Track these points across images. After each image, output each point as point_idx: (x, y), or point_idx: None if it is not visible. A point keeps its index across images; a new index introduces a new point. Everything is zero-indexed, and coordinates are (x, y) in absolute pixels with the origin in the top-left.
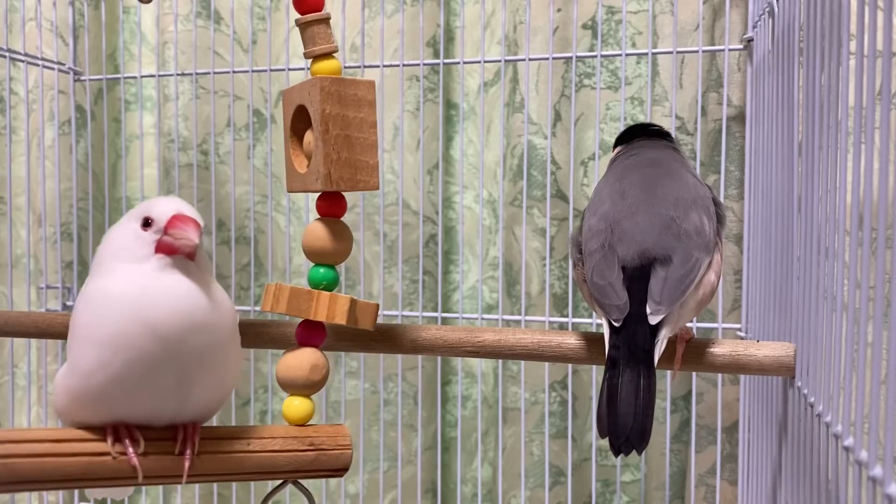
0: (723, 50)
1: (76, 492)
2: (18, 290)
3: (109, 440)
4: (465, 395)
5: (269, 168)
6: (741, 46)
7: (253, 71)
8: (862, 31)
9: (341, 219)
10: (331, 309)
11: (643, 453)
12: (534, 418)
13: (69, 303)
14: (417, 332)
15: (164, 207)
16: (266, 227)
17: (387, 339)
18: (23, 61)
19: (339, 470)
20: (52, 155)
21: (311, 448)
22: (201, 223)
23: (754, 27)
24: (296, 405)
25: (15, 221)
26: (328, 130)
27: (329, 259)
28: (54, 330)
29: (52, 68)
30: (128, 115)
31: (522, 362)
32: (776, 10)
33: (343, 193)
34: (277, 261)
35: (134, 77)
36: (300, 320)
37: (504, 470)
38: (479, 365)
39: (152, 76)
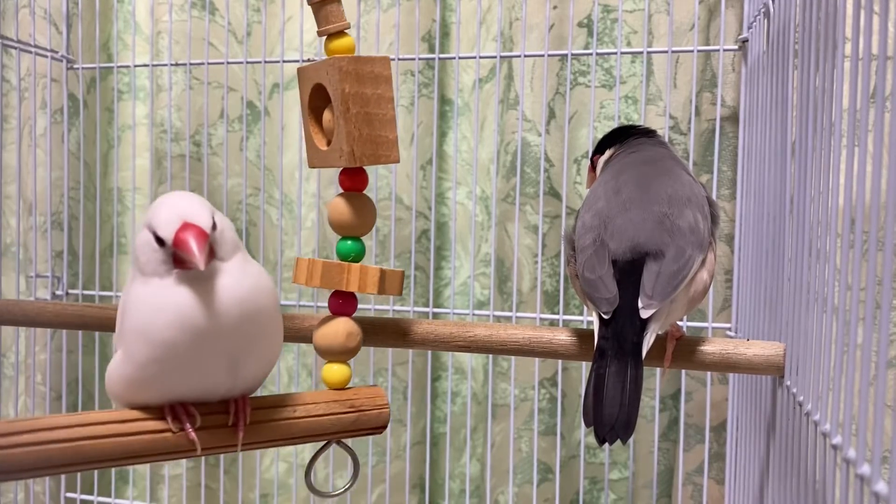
0: (717, 50)
1: (63, 485)
2: (7, 278)
3: (169, 418)
4: (455, 391)
5: (261, 160)
6: (736, 47)
7: (247, 62)
8: (857, 34)
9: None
10: (362, 279)
11: (631, 452)
12: (523, 415)
13: (59, 292)
14: (409, 326)
15: (168, 222)
16: (258, 219)
17: (378, 332)
18: (15, 48)
19: (378, 428)
20: (44, 143)
21: (353, 409)
22: (206, 224)
23: (749, 28)
24: (335, 370)
25: (5, 210)
26: (349, 109)
27: (355, 231)
28: (43, 319)
29: (45, 56)
30: (120, 105)
31: (513, 359)
32: (772, 11)
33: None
34: (269, 253)
35: (127, 66)
36: (294, 312)
37: (492, 466)
38: (470, 361)
39: (146, 66)
